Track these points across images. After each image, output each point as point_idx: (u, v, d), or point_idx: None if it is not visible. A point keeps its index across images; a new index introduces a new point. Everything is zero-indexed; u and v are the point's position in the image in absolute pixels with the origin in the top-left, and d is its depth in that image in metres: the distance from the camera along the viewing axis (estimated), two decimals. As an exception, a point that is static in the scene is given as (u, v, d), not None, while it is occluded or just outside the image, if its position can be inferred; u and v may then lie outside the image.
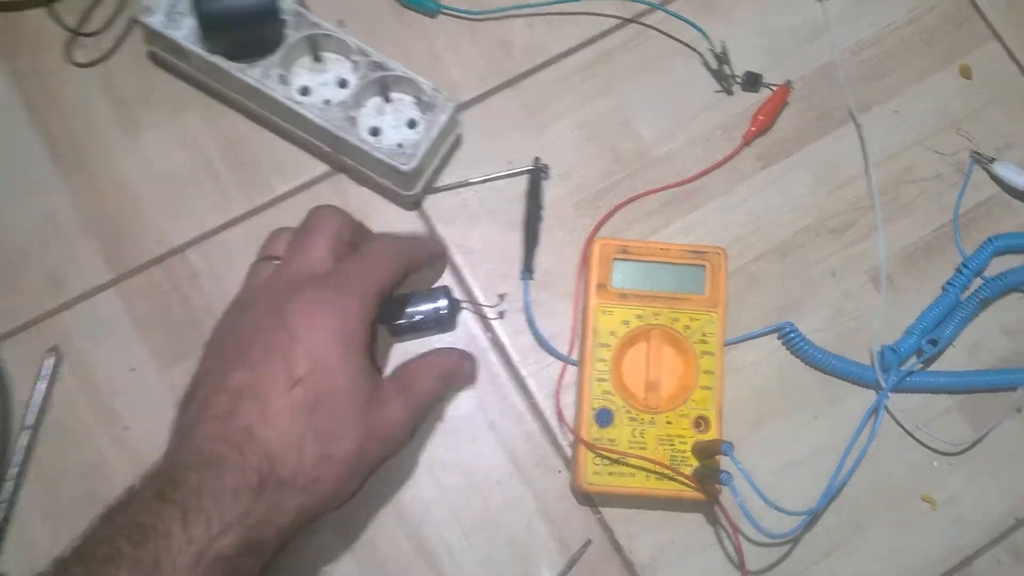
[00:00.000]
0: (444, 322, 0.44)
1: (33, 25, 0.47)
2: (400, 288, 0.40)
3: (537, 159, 0.47)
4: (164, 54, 0.45)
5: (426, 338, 0.45)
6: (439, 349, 0.44)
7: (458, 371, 0.43)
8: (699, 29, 0.48)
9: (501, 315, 0.46)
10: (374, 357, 0.38)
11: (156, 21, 0.43)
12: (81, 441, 0.43)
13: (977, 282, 0.48)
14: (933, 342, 0.46)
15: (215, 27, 0.41)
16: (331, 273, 0.36)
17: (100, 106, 0.47)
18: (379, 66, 0.44)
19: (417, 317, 0.43)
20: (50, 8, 0.44)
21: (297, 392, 0.33)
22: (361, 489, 0.37)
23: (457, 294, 0.46)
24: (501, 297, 0.46)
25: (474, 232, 0.47)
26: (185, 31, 0.43)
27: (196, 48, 0.43)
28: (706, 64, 0.49)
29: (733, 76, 0.49)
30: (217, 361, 0.35)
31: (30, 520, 0.42)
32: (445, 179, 0.47)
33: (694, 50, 0.50)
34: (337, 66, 0.45)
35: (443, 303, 0.43)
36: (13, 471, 0.42)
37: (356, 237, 0.40)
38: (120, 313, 0.45)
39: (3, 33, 0.47)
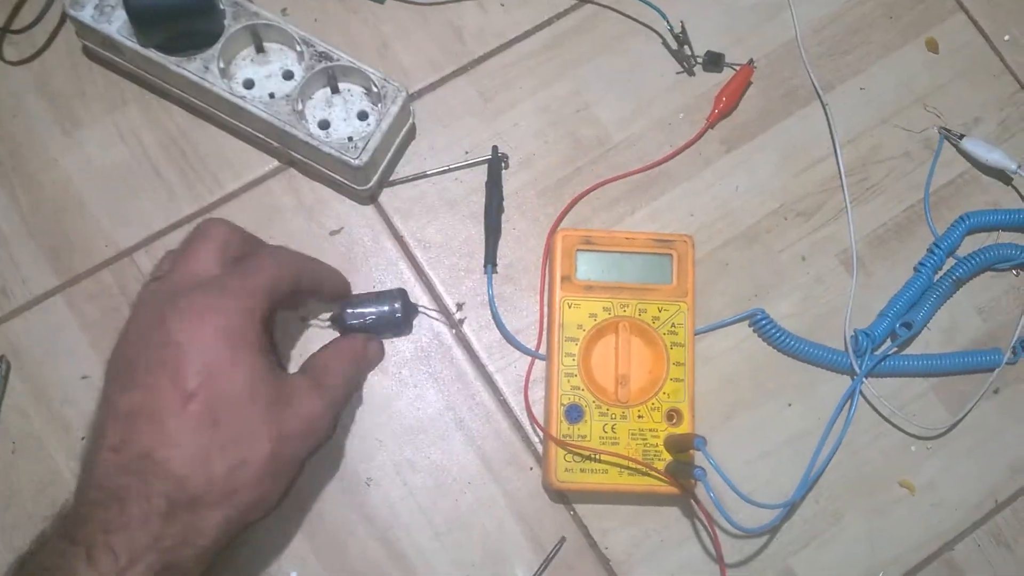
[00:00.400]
0: (398, 325, 0.42)
1: (-42, 22, 0.45)
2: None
3: (495, 148, 0.45)
4: (98, 49, 0.43)
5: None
6: (343, 336, 0.42)
7: (367, 354, 0.42)
8: (656, 8, 0.46)
9: (460, 323, 0.44)
10: (275, 355, 0.37)
11: (86, 15, 0.41)
12: (34, 452, 0.41)
13: (950, 262, 0.47)
14: (907, 325, 0.45)
15: (146, 20, 0.39)
16: (215, 278, 0.35)
17: (35, 104, 0.45)
18: (325, 56, 0.42)
19: (370, 318, 0.41)
20: (-25, 4, 0.42)
21: (193, 406, 0.32)
22: (288, 491, 0.35)
23: (418, 289, 0.44)
24: (459, 307, 0.44)
25: (433, 225, 0.45)
26: (117, 24, 0.41)
27: (129, 41, 0.41)
28: (666, 45, 0.48)
29: (694, 56, 0.47)
30: (109, 385, 0.34)
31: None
32: (401, 171, 0.45)
33: (653, 30, 0.48)
34: (281, 57, 0.43)
35: (397, 305, 0.42)
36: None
37: (246, 248, 0.37)
38: (69, 320, 0.43)
39: (-72, 32, 0.45)
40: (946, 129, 0.48)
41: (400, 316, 0.42)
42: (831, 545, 0.43)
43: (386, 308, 0.41)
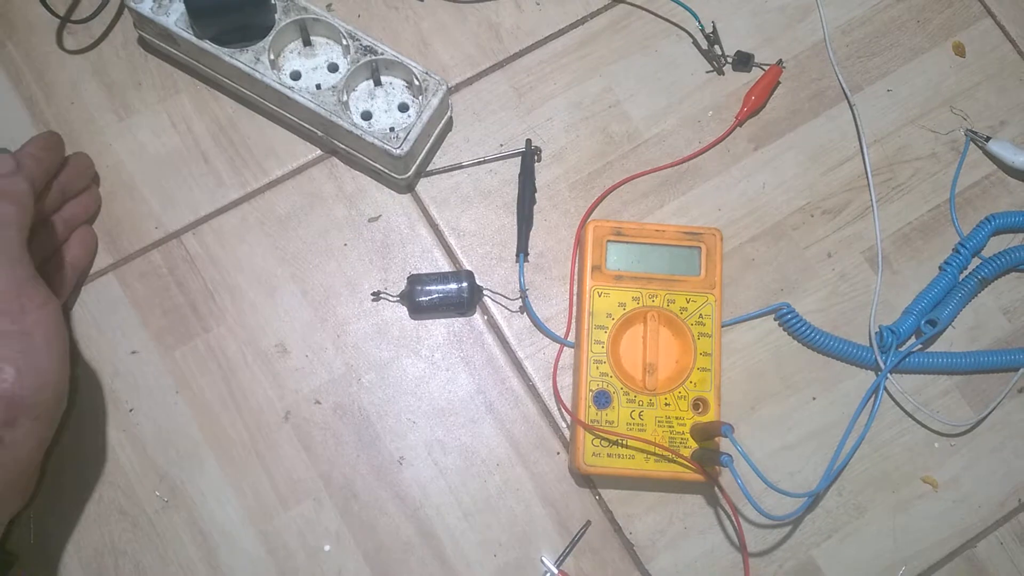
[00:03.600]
0: (463, 305, 0.44)
1: (23, 13, 0.47)
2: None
3: (529, 141, 0.47)
4: (154, 40, 0.45)
5: (447, 319, 0.45)
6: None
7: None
8: (688, 9, 0.48)
9: (521, 310, 0.45)
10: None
11: (145, 7, 0.43)
12: (86, 425, 0.43)
13: (975, 262, 0.47)
14: (932, 323, 0.45)
15: (203, 12, 0.41)
16: None
17: (92, 92, 0.47)
18: (369, 50, 0.43)
19: (437, 296, 0.44)
20: (40, -5, 0.44)
21: None
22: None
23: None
24: (524, 293, 0.45)
25: (468, 214, 0.47)
26: (174, 16, 0.43)
27: (185, 33, 0.43)
28: (696, 44, 0.49)
29: (724, 56, 0.48)
30: None
31: (39, 505, 0.42)
32: (438, 162, 0.47)
33: (684, 30, 0.49)
34: (327, 50, 0.45)
35: (464, 285, 0.44)
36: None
37: None
38: (121, 297, 0.44)
39: (-6, 23, 0.47)
40: (972, 131, 0.49)
41: (466, 296, 0.44)
42: (853, 538, 0.44)
43: (453, 287, 0.44)
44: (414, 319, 0.45)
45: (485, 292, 0.45)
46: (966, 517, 0.45)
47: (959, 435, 0.45)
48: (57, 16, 0.46)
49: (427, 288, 0.44)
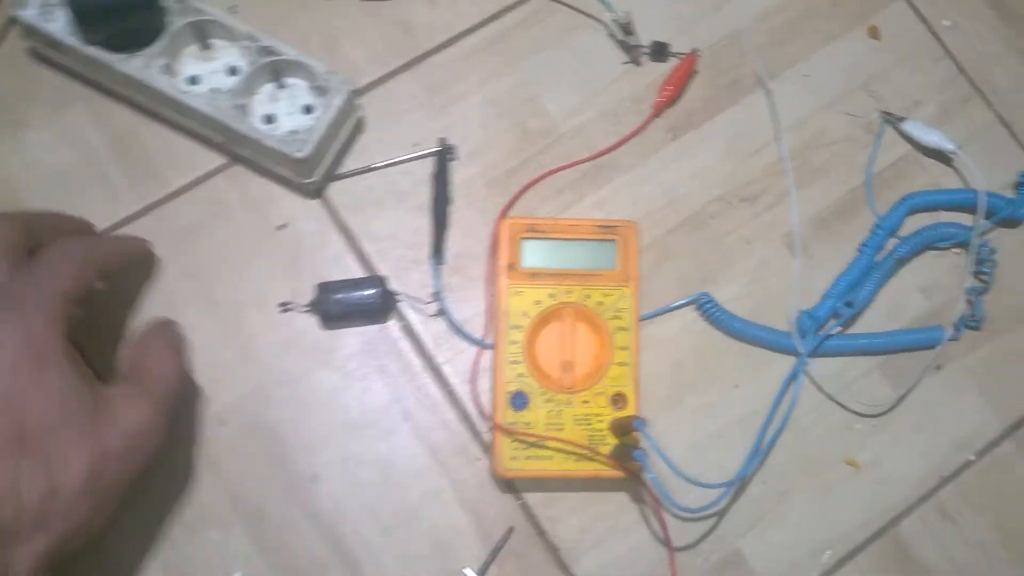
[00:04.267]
0: (377, 311, 0.43)
1: (-96, 25, 0.45)
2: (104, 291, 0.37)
3: (442, 140, 0.46)
4: (43, 49, 0.43)
5: (359, 327, 0.44)
6: (151, 323, 0.39)
7: (180, 336, 0.39)
8: (602, 0, 0.47)
9: (439, 312, 0.45)
10: (85, 365, 0.34)
11: (30, 15, 0.41)
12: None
13: (892, 242, 0.47)
14: (849, 304, 0.45)
15: (89, 18, 0.40)
16: (4, 289, 0.32)
17: (-19, 107, 0.45)
18: (269, 51, 0.42)
19: (348, 304, 0.42)
20: (-80, 6, 0.42)
21: None
22: (114, 514, 0.34)
23: None
24: (436, 295, 0.44)
25: (381, 218, 0.46)
26: (61, 24, 0.41)
27: (73, 41, 0.41)
28: (612, 35, 0.48)
29: (639, 47, 0.48)
30: None
31: None
32: (349, 165, 0.46)
33: (599, 21, 0.49)
34: (226, 53, 0.43)
35: (376, 291, 0.43)
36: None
37: (33, 240, 0.35)
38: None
39: None
40: (887, 113, 0.49)
41: (379, 302, 0.42)
42: (779, 525, 0.44)
43: (365, 293, 0.42)
44: (326, 329, 0.44)
45: (398, 296, 0.44)
46: (889, 497, 0.45)
47: (880, 416, 0.46)
48: (-61, 28, 0.44)
49: (338, 296, 0.43)
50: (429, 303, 0.45)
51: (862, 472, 0.45)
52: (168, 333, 0.38)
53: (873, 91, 0.49)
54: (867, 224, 0.48)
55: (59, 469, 0.30)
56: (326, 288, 0.43)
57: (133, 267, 0.39)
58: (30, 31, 0.42)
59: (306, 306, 0.43)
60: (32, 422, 0.30)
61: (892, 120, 0.49)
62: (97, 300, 0.35)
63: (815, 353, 0.46)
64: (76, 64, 0.43)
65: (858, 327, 0.47)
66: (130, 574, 0.41)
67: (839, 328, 0.46)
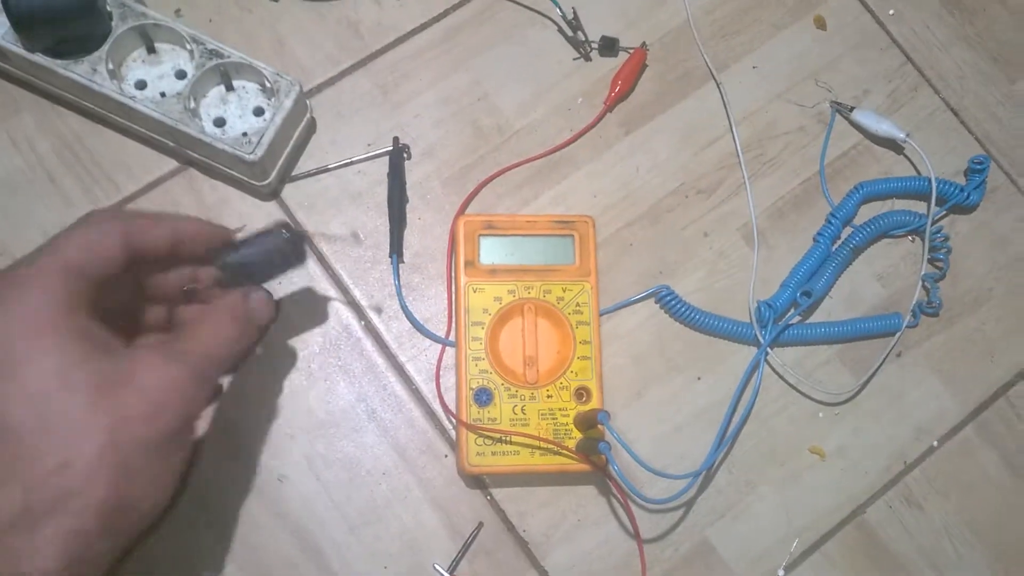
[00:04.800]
0: (289, 256, 0.37)
1: None
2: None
3: (396, 139, 0.46)
4: (-15, 56, 0.43)
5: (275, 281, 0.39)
6: (234, 293, 0.37)
7: (248, 307, 0.36)
8: (548, -4, 0.47)
9: (355, 237, 0.43)
10: (107, 331, 0.32)
11: (-31, 21, 0.40)
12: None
13: (848, 231, 0.48)
14: (807, 294, 0.46)
15: (28, 23, 0.39)
16: (25, 259, 0.31)
17: (-77, 116, 0.44)
18: (215, 53, 0.42)
19: (254, 256, 0.37)
20: None
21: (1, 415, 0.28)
22: (178, 482, 0.32)
23: (325, 282, 0.44)
24: (355, 235, 0.43)
25: (338, 219, 0.45)
26: (2, 30, 0.40)
27: (15, 47, 0.40)
28: (561, 32, 0.49)
29: (589, 42, 0.48)
30: None
31: None
32: (303, 166, 0.46)
33: (547, 18, 0.49)
34: (173, 57, 0.43)
35: (284, 232, 0.37)
36: None
37: (142, 251, 0.33)
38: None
39: None
40: (837, 103, 0.50)
41: (289, 241, 0.36)
42: (746, 515, 0.44)
43: (270, 238, 0.37)
44: (236, 286, 0.37)
45: (305, 233, 0.38)
46: (854, 484, 0.45)
47: (842, 403, 0.46)
48: None
49: (240, 251, 0.37)
50: (348, 237, 0.43)
51: (827, 460, 0.45)
52: (234, 301, 0.36)
53: (822, 81, 0.50)
54: (822, 214, 0.48)
55: (70, 440, 0.28)
56: (225, 248, 0.37)
57: (195, 252, 0.35)
58: (-29, 38, 0.41)
59: (217, 267, 0.37)
60: (32, 395, 0.28)
61: (842, 110, 0.49)
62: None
63: (776, 343, 0.46)
64: (20, 71, 0.42)
65: (817, 316, 0.47)
66: None
67: (798, 318, 0.47)
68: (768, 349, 0.45)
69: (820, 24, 0.51)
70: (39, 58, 0.40)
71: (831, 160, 0.49)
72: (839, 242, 0.48)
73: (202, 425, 0.41)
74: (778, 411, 0.46)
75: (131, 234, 0.33)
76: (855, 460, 0.45)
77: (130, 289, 0.36)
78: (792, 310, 0.46)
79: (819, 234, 0.48)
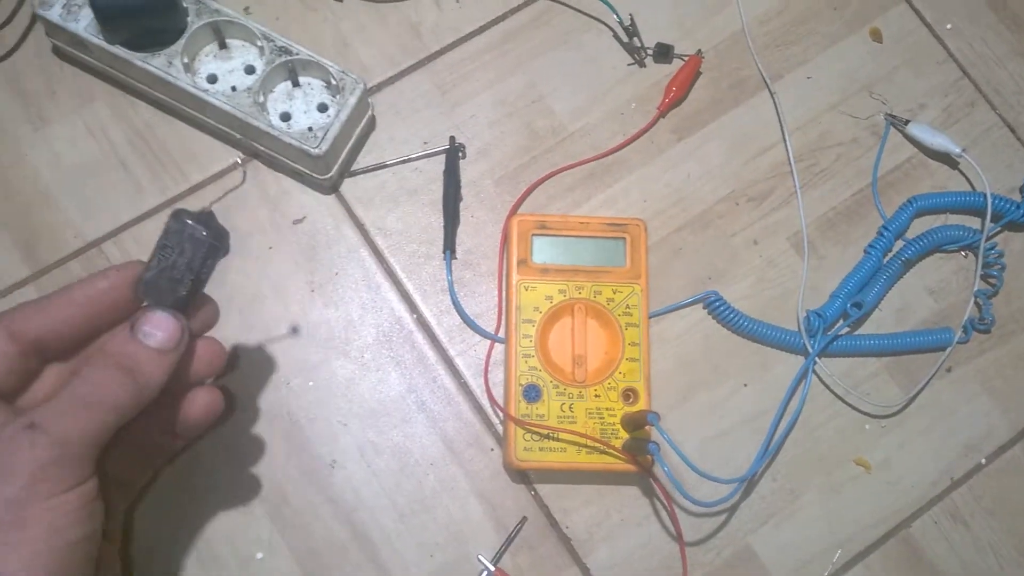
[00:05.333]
0: (204, 243, 0.31)
1: (-69, 25, 0.46)
2: None
3: (452, 138, 0.47)
4: (67, 47, 0.44)
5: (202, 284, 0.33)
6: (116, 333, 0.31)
7: (141, 339, 0.30)
8: (606, 3, 0.48)
9: (242, 164, 0.43)
10: None
11: (54, 14, 0.42)
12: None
13: (899, 244, 0.48)
14: (858, 305, 0.46)
15: (111, 17, 0.41)
16: None
17: (5, 102, 0.46)
18: (285, 51, 0.43)
19: (168, 260, 0.31)
20: (-51, 7, 0.44)
21: None
22: None
23: (380, 275, 0.45)
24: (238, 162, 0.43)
25: (394, 213, 0.46)
26: (84, 23, 0.42)
27: (96, 39, 0.42)
28: (617, 38, 0.49)
29: (644, 48, 0.49)
30: None
31: None
32: (362, 161, 0.47)
33: (604, 24, 0.50)
34: (244, 53, 0.44)
35: (187, 221, 0.31)
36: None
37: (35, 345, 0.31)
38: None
39: (-96, 36, 0.46)
40: (892, 115, 0.50)
41: (198, 229, 0.31)
42: (789, 523, 0.44)
43: (174, 232, 0.31)
44: (173, 307, 0.32)
45: (208, 208, 0.32)
46: (900, 498, 0.45)
47: (889, 416, 0.46)
48: (-34, 27, 0.45)
49: (151, 265, 0.32)
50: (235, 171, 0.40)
51: (873, 472, 0.45)
52: (117, 345, 0.30)
53: (877, 94, 0.50)
54: (874, 226, 0.48)
55: None
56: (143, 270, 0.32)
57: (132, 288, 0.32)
58: (54, 29, 0.43)
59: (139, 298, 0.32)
60: None
61: (897, 122, 0.49)
62: None
63: (824, 353, 0.46)
64: (99, 62, 0.44)
65: (867, 328, 0.47)
66: (159, 551, 0.41)
67: (847, 329, 0.46)
68: (816, 359, 0.45)
69: (876, 36, 0.51)
70: (119, 50, 0.42)
71: (884, 173, 0.49)
72: (891, 255, 0.48)
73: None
74: (824, 421, 0.46)
75: (13, 328, 0.30)
76: (901, 474, 0.45)
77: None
78: (841, 321, 0.46)
79: (870, 246, 0.47)
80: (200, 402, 0.34)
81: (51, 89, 0.46)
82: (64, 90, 0.46)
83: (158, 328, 0.30)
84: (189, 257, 0.31)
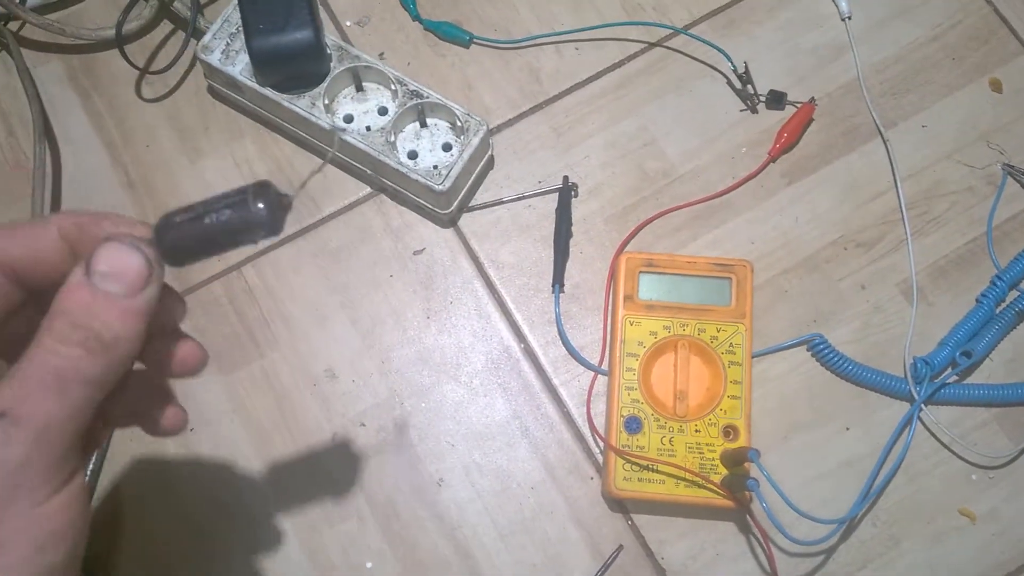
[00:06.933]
0: (254, 213, 0.27)
1: (107, 66, 0.52)
2: None
3: (566, 178, 0.49)
4: (221, 88, 0.49)
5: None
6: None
7: (98, 283, 0.24)
8: (721, 51, 0.50)
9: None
10: None
11: (214, 58, 0.47)
12: (148, 442, 0.46)
13: (1013, 295, 0.47)
14: (967, 354, 0.45)
15: (266, 63, 0.45)
16: None
17: (166, 137, 0.51)
18: (416, 94, 0.47)
19: (219, 217, 0.26)
20: (121, 49, 0.49)
21: None
22: None
23: (491, 306, 0.48)
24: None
25: (507, 247, 0.49)
26: (240, 66, 0.47)
27: (250, 82, 0.47)
28: (730, 84, 0.51)
29: (757, 95, 0.50)
30: None
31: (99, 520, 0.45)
32: (480, 198, 0.50)
33: (717, 71, 0.51)
34: (378, 95, 0.48)
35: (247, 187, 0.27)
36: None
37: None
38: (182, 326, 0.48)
39: (83, 75, 0.52)
40: (1010, 165, 0.49)
41: (260, 211, 0.27)
42: (888, 569, 0.44)
43: (238, 196, 0.27)
44: (179, 266, 0.27)
45: (286, 195, 0.28)
46: (1006, 550, 0.44)
47: (998, 467, 0.45)
48: (137, 68, 0.50)
49: (182, 216, 0.27)
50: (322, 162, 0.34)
51: (977, 524, 0.44)
52: (72, 300, 0.23)
53: (995, 143, 0.50)
54: (987, 275, 0.48)
55: None
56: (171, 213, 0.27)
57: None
58: (212, 72, 0.48)
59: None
60: None
61: (1015, 173, 0.49)
62: None
63: (930, 400, 0.46)
64: (249, 102, 0.49)
65: (975, 377, 0.47)
66: (277, 553, 0.45)
67: (955, 377, 0.46)
68: (922, 405, 0.45)
69: (996, 87, 0.51)
70: (268, 92, 0.47)
71: (1000, 223, 0.49)
72: (1004, 305, 0.47)
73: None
74: (929, 469, 0.45)
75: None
76: (1007, 526, 0.44)
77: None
78: (950, 369, 0.46)
79: (983, 295, 0.47)
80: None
81: (205, 125, 0.51)
82: (216, 126, 0.51)
83: (115, 266, 0.24)
84: (226, 220, 0.26)
